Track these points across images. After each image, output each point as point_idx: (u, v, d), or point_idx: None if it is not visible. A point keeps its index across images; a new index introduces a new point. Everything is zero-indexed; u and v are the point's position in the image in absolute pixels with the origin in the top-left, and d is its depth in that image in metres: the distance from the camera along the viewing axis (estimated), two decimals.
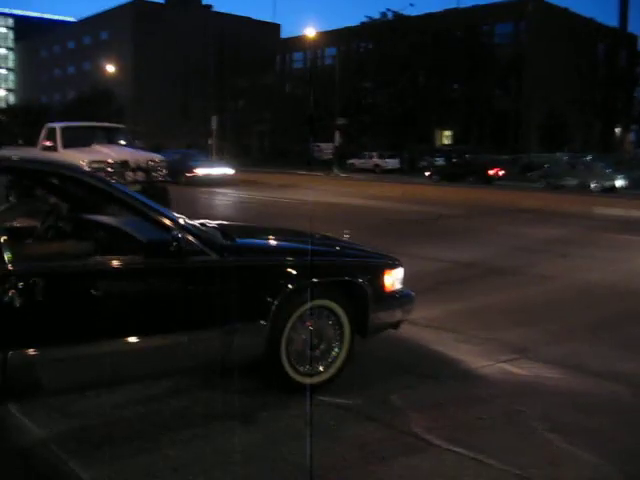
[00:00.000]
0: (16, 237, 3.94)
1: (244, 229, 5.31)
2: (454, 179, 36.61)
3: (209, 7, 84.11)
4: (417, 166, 50.16)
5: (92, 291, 3.83)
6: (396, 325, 5.31)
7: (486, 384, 5.05)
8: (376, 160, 49.84)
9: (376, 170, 48.10)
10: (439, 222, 16.29)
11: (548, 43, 54.75)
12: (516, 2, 57.27)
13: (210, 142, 46.04)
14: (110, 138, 18.28)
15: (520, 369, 5.44)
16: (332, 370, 4.78)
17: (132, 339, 3.92)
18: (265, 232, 5.75)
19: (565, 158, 40.46)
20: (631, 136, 67.15)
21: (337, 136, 50.10)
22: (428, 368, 5.36)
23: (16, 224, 4.66)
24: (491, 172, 37.12)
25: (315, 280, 4.58)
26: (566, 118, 54.68)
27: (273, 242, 5.30)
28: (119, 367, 3.93)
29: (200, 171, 30.25)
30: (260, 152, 72.06)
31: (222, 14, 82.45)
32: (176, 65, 72.71)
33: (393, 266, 5.22)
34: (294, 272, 4.53)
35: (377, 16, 57.47)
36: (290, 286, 4.46)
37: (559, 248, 12.03)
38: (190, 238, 4.07)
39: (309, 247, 4.90)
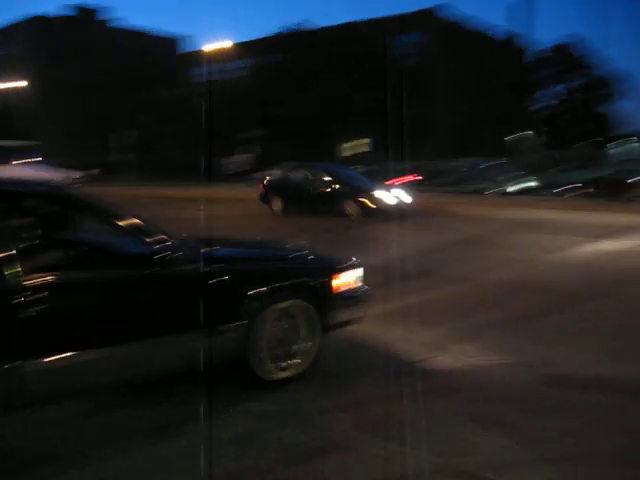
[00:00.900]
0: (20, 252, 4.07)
1: (221, 241, 5.58)
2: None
3: (117, 20, 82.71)
4: None
5: (95, 300, 4.16)
6: (353, 322, 5.64)
7: (405, 381, 5.18)
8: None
9: None
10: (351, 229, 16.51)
11: (454, 52, 56.38)
12: (421, 13, 58.84)
13: (121, 158, 45.29)
14: (24, 156, 17.86)
15: (438, 366, 5.64)
16: (306, 363, 5.14)
17: (131, 342, 4.20)
18: (237, 242, 6.11)
19: (466, 165, 41.67)
20: (539, 139, 69.74)
21: (249, 149, 50.07)
22: (349, 368, 5.48)
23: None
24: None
25: (281, 284, 5.04)
26: (471, 125, 56.35)
27: (246, 251, 5.69)
28: (121, 369, 4.25)
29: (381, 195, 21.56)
30: (166, 166, 71.13)
31: (132, 28, 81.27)
32: (86, 80, 71.16)
33: (353, 266, 5.62)
34: (266, 276, 4.99)
35: (291, 27, 57.92)
36: (259, 289, 4.83)
37: (469, 250, 12.41)
38: (173, 249, 4.38)
39: (278, 254, 5.69)
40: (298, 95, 55.65)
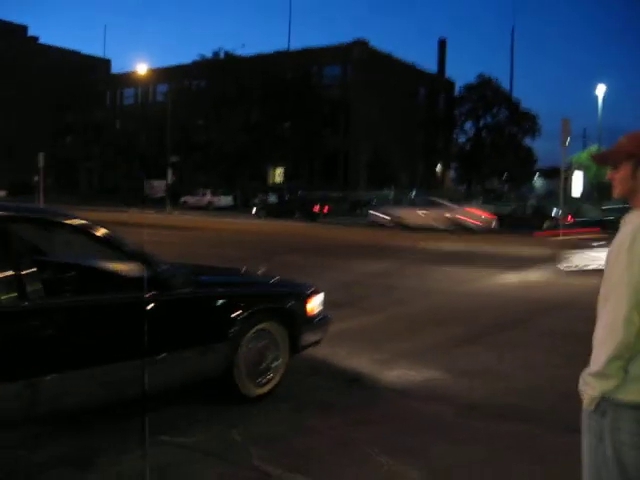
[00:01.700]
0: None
1: (199, 268, 6.09)
2: (279, 216, 37.38)
3: (35, 39, 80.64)
4: (250, 203, 50.68)
5: (103, 320, 4.48)
6: (317, 343, 6.10)
7: (319, 413, 5.27)
8: (209, 198, 49.85)
9: (209, 207, 48.07)
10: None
11: (373, 86, 57.45)
12: (342, 46, 59.80)
13: (36, 179, 44.04)
14: None
15: (348, 397, 5.73)
16: (276, 379, 5.55)
17: (131, 360, 4.48)
18: (212, 270, 6.56)
19: (391, 195, 42.48)
20: (451, 173, 71.60)
21: (169, 173, 49.59)
22: (262, 400, 5.47)
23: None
24: (316, 209, 38.50)
25: (261, 307, 5.47)
26: (391, 157, 57.40)
27: (224, 278, 6.09)
28: (133, 384, 4.53)
29: None
30: (89, 189, 69.79)
31: (49, 47, 79.35)
32: (1, 99, 69.10)
33: (316, 292, 6.06)
34: (245, 301, 5.37)
35: (210, 55, 57.77)
36: (244, 312, 5.23)
37: (386, 280, 12.64)
38: (169, 274, 4.81)
39: (251, 281, 6.31)
40: (214, 122, 55.56)
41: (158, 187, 53.41)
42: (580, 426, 2.37)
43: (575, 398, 2.43)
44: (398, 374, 6.44)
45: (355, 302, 10.15)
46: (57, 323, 4.13)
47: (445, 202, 31.48)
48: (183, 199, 50.63)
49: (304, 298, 5.92)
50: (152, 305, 4.65)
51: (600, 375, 2.20)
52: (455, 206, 30.77)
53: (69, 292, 4.52)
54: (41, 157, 38.53)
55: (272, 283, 6.19)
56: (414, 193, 43.83)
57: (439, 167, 70.15)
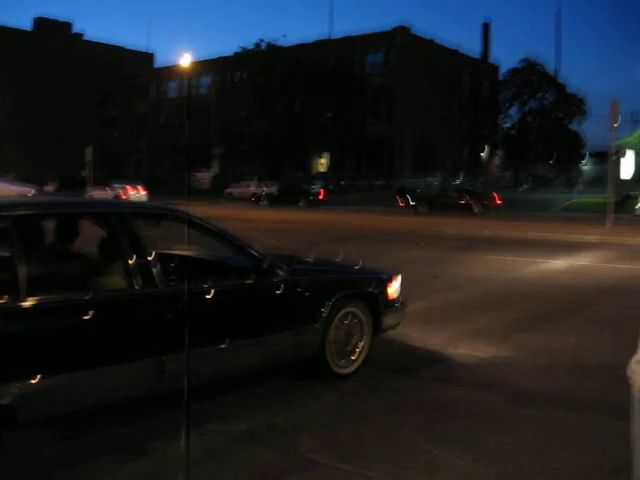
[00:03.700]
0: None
1: (291, 257, 6.48)
2: (283, 204, 37.78)
3: (80, 35, 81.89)
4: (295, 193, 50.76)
5: (217, 305, 4.88)
6: (396, 326, 6.45)
7: (364, 402, 5.29)
8: (254, 188, 50.08)
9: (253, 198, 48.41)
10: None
11: (416, 72, 57.00)
12: (384, 33, 59.39)
13: (84, 173, 44.83)
14: None
15: (397, 384, 5.73)
16: (360, 360, 5.89)
17: (236, 340, 4.94)
18: (301, 259, 6.87)
19: (435, 182, 42.18)
20: (496, 160, 70.73)
21: (214, 165, 50.01)
22: (304, 389, 5.53)
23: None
24: (320, 196, 40.13)
25: (348, 291, 5.88)
26: (436, 143, 56.97)
27: (313, 266, 6.51)
28: (239, 360, 5.07)
29: None
30: (137, 181, 70.74)
31: (94, 42, 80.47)
32: (48, 94, 70.37)
33: (393, 278, 6.35)
34: (335, 287, 5.79)
35: (251, 46, 57.93)
36: (333, 296, 5.63)
37: (432, 268, 12.59)
38: (270, 263, 5.23)
39: (339, 267, 6.82)
40: (257, 113, 55.77)
41: (203, 179, 53.82)
42: (628, 413, 2.34)
43: (624, 386, 2.41)
44: (451, 357, 6.47)
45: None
46: (181, 307, 4.49)
47: None
48: (228, 190, 50.88)
49: (385, 283, 6.24)
50: (259, 290, 5.20)
51: None
52: None
53: (189, 280, 4.85)
54: (89, 151, 39.16)
55: (356, 269, 6.55)
56: (459, 180, 43.48)
57: (485, 153, 69.37)
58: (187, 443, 3.66)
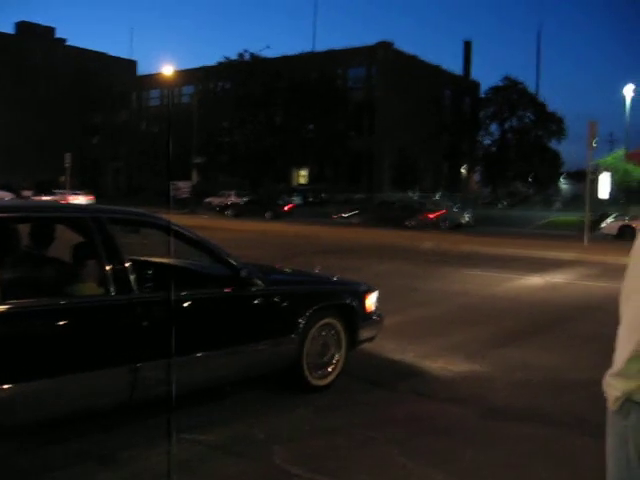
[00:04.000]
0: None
1: (267, 267, 6.43)
2: (248, 215, 37.92)
3: (63, 40, 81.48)
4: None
5: (194, 313, 4.90)
6: (372, 339, 6.41)
7: (339, 414, 5.26)
8: (233, 199, 49.92)
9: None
10: None
11: (398, 87, 57.32)
12: (367, 48, 59.73)
13: (62, 179, 44.51)
14: None
15: (371, 397, 5.72)
16: (336, 372, 5.87)
17: (215, 349, 4.96)
18: (279, 270, 6.99)
19: (415, 197, 42.38)
20: (476, 176, 71.23)
21: (195, 174, 49.83)
22: (280, 400, 5.50)
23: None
24: (286, 208, 40.27)
25: (325, 303, 5.85)
26: (416, 159, 57.27)
27: (291, 277, 6.55)
28: (215, 370, 5.04)
29: None
30: (115, 189, 70.41)
31: (77, 48, 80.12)
32: (27, 99, 69.91)
33: (370, 291, 6.36)
34: (313, 298, 5.78)
35: (234, 57, 58.00)
36: (310, 307, 5.61)
37: (411, 282, 12.61)
38: (248, 273, 5.21)
39: (316, 279, 6.70)
40: (239, 123, 55.78)
41: (183, 188, 53.61)
42: (604, 429, 2.34)
43: (599, 402, 2.40)
44: (427, 371, 6.46)
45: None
46: (157, 315, 4.51)
47: None
48: (207, 200, 50.71)
49: (362, 295, 6.25)
50: (236, 300, 5.20)
51: (620, 375, 2.17)
52: None
53: (166, 287, 4.83)
54: (67, 157, 38.90)
55: (333, 281, 6.61)
56: (438, 195, 43.72)
57: (464, 169, 69.83)
58: (169, 451, 3.60)
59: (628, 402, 2.18)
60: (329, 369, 5.84)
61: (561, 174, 65.62)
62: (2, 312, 3.83)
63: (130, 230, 5.40)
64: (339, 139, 55.57)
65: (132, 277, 4.52)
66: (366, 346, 6.53)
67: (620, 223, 28.63)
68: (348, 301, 6.07)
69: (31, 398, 3.95)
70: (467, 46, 73.73)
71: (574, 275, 14.98)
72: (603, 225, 29.80)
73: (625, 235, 26.66)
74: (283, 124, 56.12)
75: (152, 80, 69.79)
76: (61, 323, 4.14)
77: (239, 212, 39.88)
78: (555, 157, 64.08)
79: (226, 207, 42.06)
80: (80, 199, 41.34)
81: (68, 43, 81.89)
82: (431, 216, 33.48)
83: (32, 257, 4.83)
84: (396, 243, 22.29)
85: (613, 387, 2.20)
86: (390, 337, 7.29)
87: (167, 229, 5.08)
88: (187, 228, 5.25)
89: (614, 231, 28.38)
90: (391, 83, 57.90)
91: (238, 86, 56.25)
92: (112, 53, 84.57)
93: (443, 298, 11.17)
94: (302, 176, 63.60)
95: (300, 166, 61.97)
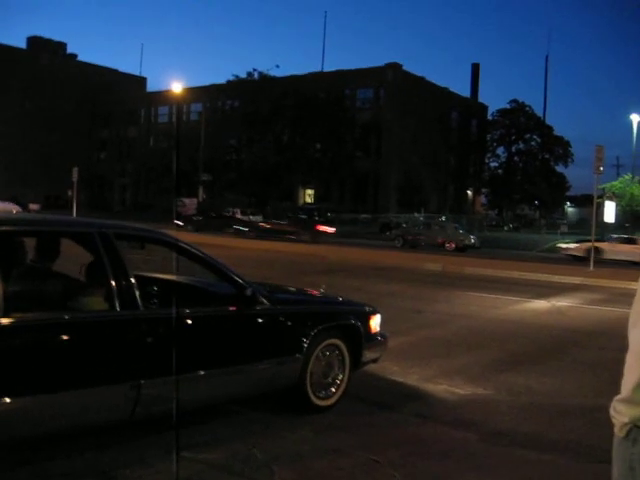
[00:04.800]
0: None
1: (273, 286, 6.34)
2: (209, 229, 37.87)
3: (74, 56, 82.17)
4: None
5: (200, 331, 4.89)
6: (376, 360, 6.39)
7: (341, 436, 5.22)
8: (239, 217, 49.95)
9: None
10: None
11: (405, 108, 57.55)
12: (376, 69, 60.06)
13: (69, 194, 44.69)
14: None
15: (373, 419, 5.67)
16: (339, 393, 5.84)
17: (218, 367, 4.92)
18: (284, 289, 6.81)
19: (421, 219, 42.41)
20: (482, 199, 71.26)
21: (201, 192, 49.98)
22: (282, 420, 5.46)
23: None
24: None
25: (330, 323, 5.82)
26: (422, 180, 57.38)
27: (297, 296, 6.52)
28: (218, 388, 5.00)
29: None
30: (121, 205, 70.65)
31: (87, 64, 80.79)
32: (37, 113, 70.38)
33: (375, 312, 6.36)
34: (318, 318, 5.75)
35: (243, 75, 58.37)
36: (315, 327, 5.58)
37: (412, 304, 12.57)
38: (254, 292, 5.19)
39: (321, 299, 6.63)
40: (247, 141, 56.03)
41: (190, 205, 53.76)
42: (608, 456, 2.31)
43: (604, 428, 2.38)
44: (430, 394, 6.42)
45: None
46: (162, 332, 4.51)
47: None
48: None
49: (366, 317, 6.23)
50: (241, 318, 5.18)
51: (628, 402, 2.15)
52: None
53: (171, 304, 4.84)
54: (75, 172, 39.06)
55: (339, 302, 6.57)
56: (444, 217, 43.73)
57: (470, 191, 69.89)
58: (168, 469, 3.56)
59: (636, 429, 2.16)
60: (332, 389, 5.80)
61: (567, 198, 65.61)
62: (5, 325, 3.81)
63: (136, 246, 5.38)
64: (346, 159, 55.74)
65: (137, 293, 4.49)
66: (370, 367, 6.50)
67: (587, 245, 29.39)
68: (353, 322, 6.03)
69: (31, 413, 3.92)
70: (475, 68, 74.12)
71: (579, 299, 14.93)
72: (571, 246, 30.94)
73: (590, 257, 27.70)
74: (290, 143, 56.34)
75: (161, 97, 70.28)
76: (65, 338, 4.13)
77: (199, 226, 39.43)
78: (561, 181, 64.14)
79: (186, 221, 41.11)
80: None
81: (79, 59, 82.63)
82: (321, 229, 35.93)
83: (37, 271, 4.83)
84: (401, 265, 22.26)
85: (620, 413, 2.18)
86: (394, 359, 7.25)
87: (173, 246, 5.08)
88: (193, 245, 5.23)
89: (581, 252, 29.54)
90: (399, 104, 58.14)
91: (246, 104, 56.57)
92: (122, 69, 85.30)
93: (447, 320, 11.13)
94: (308, 195, 63.74)
95: (306, 185, 62.14)
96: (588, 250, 28.99)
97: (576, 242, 32.23)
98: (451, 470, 4.62)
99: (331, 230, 36.78)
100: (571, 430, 5.61)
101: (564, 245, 32.30)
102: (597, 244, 29.01)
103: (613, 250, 30.31)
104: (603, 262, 27.39)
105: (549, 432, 5.56)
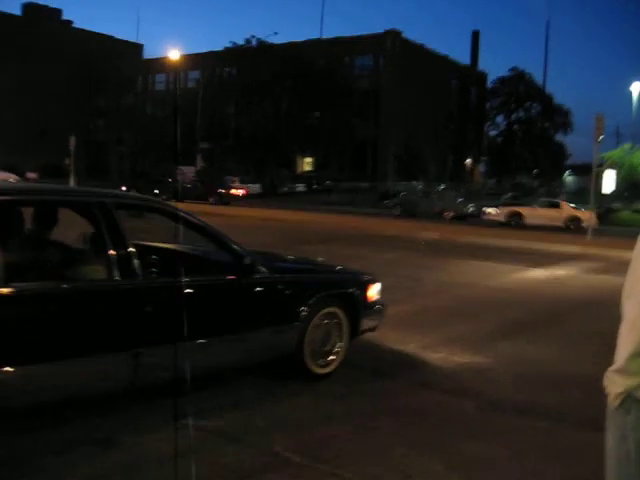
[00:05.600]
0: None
1: (271, 255, 6.35)
2: (192, 198, 37.56)
3: (70, 22, 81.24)
4: (278, 191, 50.80)
5: (199, 299, 4.85)
6: (374, 329, 6.41)
7: (339, 403, 5.28)
8: (237, 185, 49.80)
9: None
10: None
11: (404, 76, 57.13)
12: (375, 36, 59.51)
13: (67, 162, 44.50)
14: None
15: (372, 387, 5.73)
16: (337, 361, 5.88)
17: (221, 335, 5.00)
18: (282, 257, 6.78)
19: (420, 187, 42.32)
20: (480, 167, 71.06)
21: (199, 159, 49.74)
22: (281, 388, 5.52)
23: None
24: (233, 192, 41.81)
25: (328, 292, 5.86)
26: (421, 149, 57.14)
27: (295, 265, 6.56)
28: (217, 356, 5.06)
29: None
30: (119, 174, 70.39)
31: (83, 31, 79.91)
32: (33, 81, 69.78)
33: (373, 281, 6.37)
34: (316, 286, 5.80)
35: (241, 42, 57.84)
36: (313, 295, 5.62)
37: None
38: (252, 260, 5.23)
39: (320, 267, 6.72)
40: (245, 109, 55.66)
41: (188, 173, 53.54)
42: (603, 424, 2.34)
43: (599, 396, 2.41)
44: (428, 362, 6.48)
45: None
46: (160, 300, 4.52)
47: None
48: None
49: (365, 285, 6.24)
50: (240, 287, 5.17)
51: (622, 372, 2.17)
52: None
53: (170, 273, 4.88)
54: (72, 140, 38.88)
55: (337, 270, 6.59)
56: (443, 186, 43.60)
57: (469, 160, 69.68)
58: (168, 436, 3.60)
59: (629, 399, 2.19)
60: (331, 357, 5.84)
61: (566, 167, 65.48)
62: (5, 295, 3.83)
63: (134, 215, 5.38)
64: (344, 127, 55.46)
65: (137, 262, 4.50)
66: (368, 335, 6.53)
67: (508, 209, 30.03)
68: (351, 290, 6.07)
69: (32, 381, 3.96)
70: (475, 36, 73.45)
71: (577, 269, 14.98)
72: (490, 211, 30.79)
73: (512, 221, 29.01)
74: (289, 110, 55.99)
75: (158, 64, 69.65)
76: (65, 307, 4.16)
77: (182, 195, 38.62)
78: (560, 150, 63.94)
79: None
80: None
81: (75, 25, 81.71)
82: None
83: (36, 240, 4.83)
84: (399, 233, 22.28)
85: (614, 383, 2.20)
86: (392, 327, 7.28)
87: (172, 215, 5.08)
88: (192, 214, 5.23)
89: (502, 217, 29.76)
90: (398, 72, 57.72)
91: (245, 71, 56.12)
92: (119, 36, 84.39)
93: (446, 288, 11.18)
94: (307, 163, 63.54)
95: (305, 153, 61.92)
96: (509, 214, 29.41)
97: (496, 207, 31.56)
98: (448, 438, 4.66)
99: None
100: (568, 398, 5.66)
101: (487, 210, 31.55)
102: (518, 209, 29.46)
103: (534, 214, 29.63)
104: (524, 227, 27.61)
105: (546, 400, 5.61)
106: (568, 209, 29.86)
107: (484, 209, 31.53)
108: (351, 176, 54.27)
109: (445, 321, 8.57)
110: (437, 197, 35.77)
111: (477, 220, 31.49)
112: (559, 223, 28.67)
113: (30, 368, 3.91)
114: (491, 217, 30.19)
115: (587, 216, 28.23)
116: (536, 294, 11.27)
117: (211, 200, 37.95)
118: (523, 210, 29.70)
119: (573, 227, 28.42)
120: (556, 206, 30.30)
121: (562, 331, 8.46)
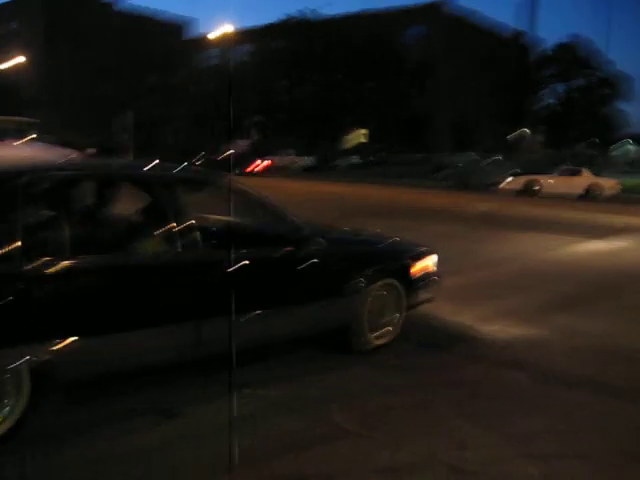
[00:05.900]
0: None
1: (327, 227, 6.52)
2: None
3: (110, 5, 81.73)
4: (331, 165, 50.69)
5: (257, 272, 4.84)
6: (429, 300, 6.47)
7: (395, 375, 5.35)
8: (294, 158, 49.95)
9: (292, 168, 48.16)
10: None
11: (457, 45, 56.16)
12: (427, 6, 58.59)
13: (126, 137, 45.14)
14: (22, 133, 17.63)
15: (428, 360, 5.79)
16: (394, 333, 5.95)
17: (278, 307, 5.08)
18: (339, 229, 7.00)
19: (476, 158, 41.67)
20: (539, 137, 69.53)
21: (253, 133, 49.87)
22: (336, 359, 5.60)
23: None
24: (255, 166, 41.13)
25: (384, 264, 5.92)
26: (476, 119, 56.24)
27: (352, 237, 6.58)
28: (275, 328, 5.12)
29: None
30: (175, 149, 71.04)
31: (131, 7, 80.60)
32: (83, 60, 70.71)
33: (430, 252, 6.44)
34: (371, 257, 5.90)
35: (295, 14, 57.62)
36: (370, 267, 5.67)
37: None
38: (310, 232, 5.31)
39: (377, 239, 6.60)
40: (298, 82, 55.52)
41: (243, 146, 53.78)
42: None
43: None
44: (482, 334, 6.52)
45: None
46: (219, 272, 4.47)
47: None
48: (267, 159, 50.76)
49: (421, 257, 6.31)
50: (297, 259, 5.18)
51: None
52: None
53: (229, 246, 4.89)
54: (130, 116, 39.30)
55: (392, 242, 6.55)
56: (499, 157, 42.89)
57: (526, 130, 68.21)
58: (229, 405, 3.68)
59: None
60: (387, 329, 5.90)
61: (626, 136, 63.70)
62: (70, 268, 3.97)
63: (193, 189, 5.47)
64: (398, 98, 54.88)
65: (197, 235, 4.59)
66: (423, 308, 6.57)
67: (525, 179, 28.97)
68: (408, 262, 6.11)
69: (96, 353, 4.10)
70: (529, 4, 71.45)
71: (637, 242, 14.62)
72: (508, 181, 29.62)
73: (529, 190, 28.13)
74: (342, 83, 55.65)
75: (209, 40, 69.55)
76: (127, 279, 4.29)
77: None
78: (622, 118, 62.18)
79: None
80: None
81: (121, 4, 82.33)
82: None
83: (100, 214, 4.98)
84: (450, 205, 22.09)
85: None
86: (447, 299, 7.29)
87: (230, 188, 5.15)
88: (250, 187, 5.29)
89: (519, 186, 28.68)
90: (450, 41, 56.76)
91: (298, 44, 55.87)
92: (167, 13, 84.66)
93: (499, 261, 11.09)
94: (363, 134, 63.13)
95: (358, 126, 61.52)
96: (525, 183, 28.48)
97: (511, 177, 30.20)
98: (503, 410, 4.69)
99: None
100: (623, 373, 5.61)
101: (502, 184, 29.82)
102: (534, 177, 28.46)
103: (551, 184, 28.52)
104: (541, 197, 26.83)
105: (601, 375, 5.57)
106: (589, 177, 28.95)
107: (501, 185, 30.11)
108: (405, 148, 53.81)
109: (498, 293, 8.53)
110: (491, 168, 35.06)
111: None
112: (580, 191, 27.75)
113: (97, 339, 4.06)
114: (509, 187, 29.30)
115: (609, 184, 28.07)
116: (587, 267, 11.06)
117: (237, 171, 38.04)
118: (540, 179, 28.81)
119: (594, 195, 27.48)
120: (577, 173, 29.39)
121: (617, 304, 8.32)
